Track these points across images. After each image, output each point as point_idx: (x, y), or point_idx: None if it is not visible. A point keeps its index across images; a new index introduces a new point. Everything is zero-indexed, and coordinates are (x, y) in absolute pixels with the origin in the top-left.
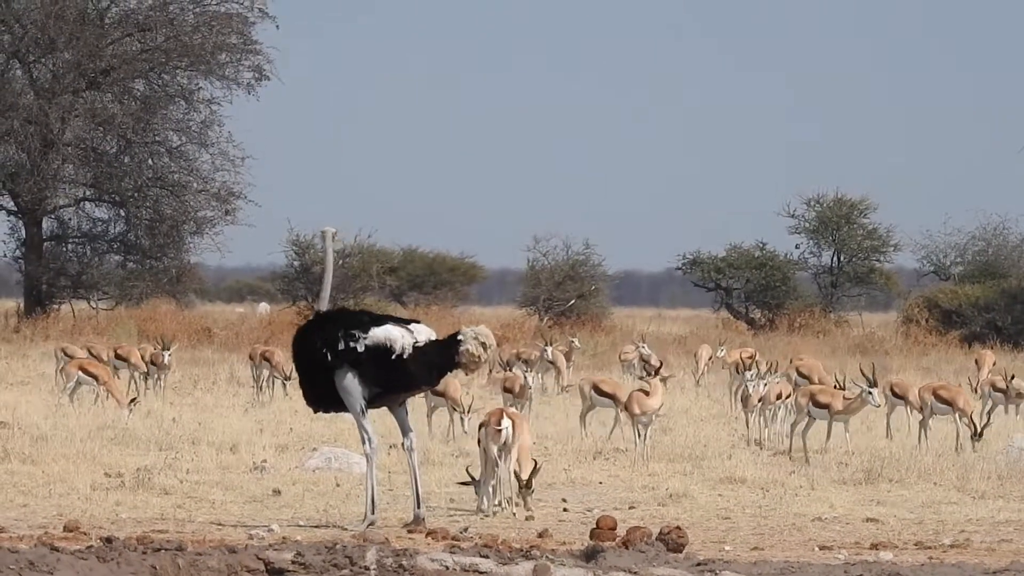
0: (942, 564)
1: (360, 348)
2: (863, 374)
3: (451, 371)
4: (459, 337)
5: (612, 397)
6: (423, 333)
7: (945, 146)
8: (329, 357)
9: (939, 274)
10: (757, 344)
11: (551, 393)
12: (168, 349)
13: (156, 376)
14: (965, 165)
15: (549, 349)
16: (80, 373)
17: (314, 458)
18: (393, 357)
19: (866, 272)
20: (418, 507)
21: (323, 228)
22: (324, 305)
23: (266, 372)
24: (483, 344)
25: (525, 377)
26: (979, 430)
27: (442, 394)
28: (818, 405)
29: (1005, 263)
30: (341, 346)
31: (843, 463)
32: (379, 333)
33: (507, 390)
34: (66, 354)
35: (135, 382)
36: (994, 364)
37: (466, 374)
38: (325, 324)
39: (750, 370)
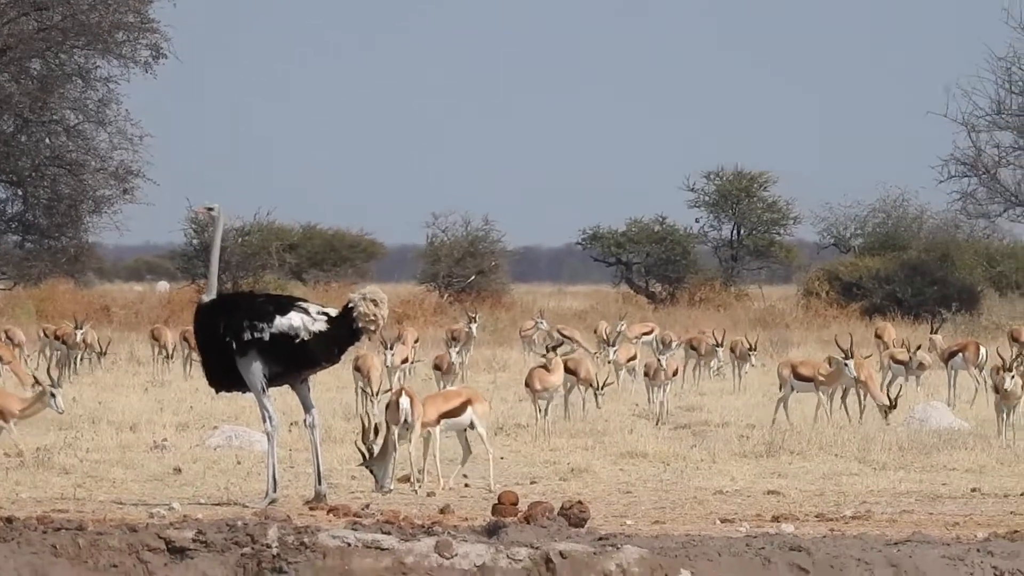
0: (843, 536)
1: (266, 337)
2: (838, 345)
3: (353, 343)
4: (350, 304)
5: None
6: (322, 313)
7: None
8: (235, 346)
9: (839, 247)
10: (658, 318)
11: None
12: (81, 328)
13: (74, 355)
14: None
15: (474, 326)
16: None
17: (215, 436)
18: (297, 341)
19: (766, 245)
20: (319, 484)
21: (208, 204)
22: (213, 285)
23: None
24: (374, 301)
25: (451, 354)
26: (893, 402)
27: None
28: (800, 378)
29: (905, 235)
30: (247, 336)
31: (744, 436)
32: (284, 322)
33: (436, 367)
34: (8, 335)
35: (74, 362)
36: (894, 337)
37: (369, 338)
38: (230, 311)
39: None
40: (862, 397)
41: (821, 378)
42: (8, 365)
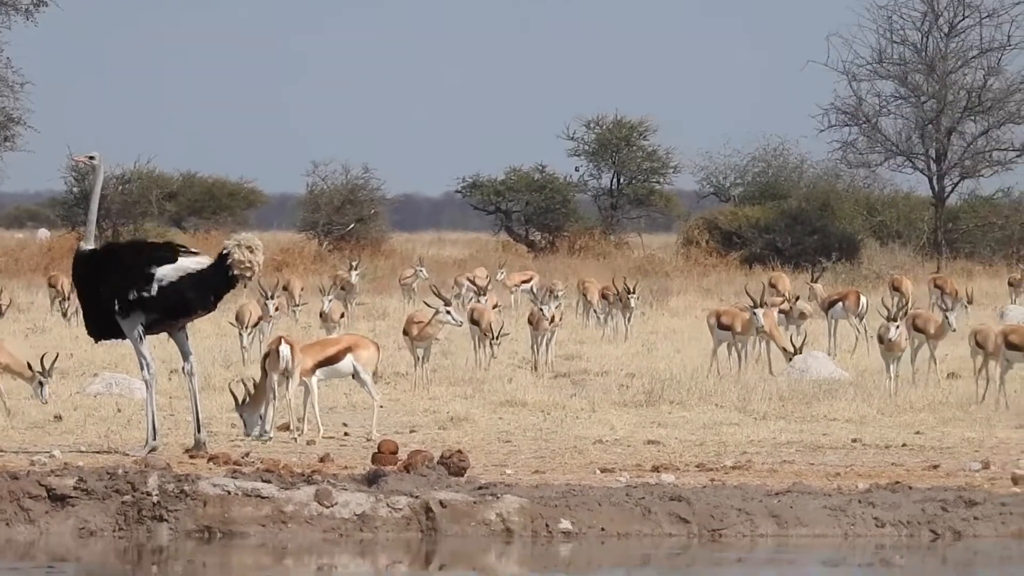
0: (724, 486)
1: (152, 293)
2: (748, 295)
3: (229, 290)
4: (224, 251)
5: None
6: (199, 261)
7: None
8: (117, 306)
9: (719, 196)
10: (537, 266)
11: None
12: None
13: None
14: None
15: (354, 274)
16: None
17: (95, 384)
18: (175, 293)
19: (646, 194)
20: (198, 432)
21: (89, 153)
22: (91, 233)
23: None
24: (249, 248)
25: (267, 304)
26: (798, 348)
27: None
28: (722, 327)
29: (785, 184)
30: (131, 296)
31: (624, 385)
32: (166, 277)
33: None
34: None
35: None
36: (789, 288)
37: (244, 285)
38: (111, 273)
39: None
40: (766, 345)
41: (738, 328)
42: None
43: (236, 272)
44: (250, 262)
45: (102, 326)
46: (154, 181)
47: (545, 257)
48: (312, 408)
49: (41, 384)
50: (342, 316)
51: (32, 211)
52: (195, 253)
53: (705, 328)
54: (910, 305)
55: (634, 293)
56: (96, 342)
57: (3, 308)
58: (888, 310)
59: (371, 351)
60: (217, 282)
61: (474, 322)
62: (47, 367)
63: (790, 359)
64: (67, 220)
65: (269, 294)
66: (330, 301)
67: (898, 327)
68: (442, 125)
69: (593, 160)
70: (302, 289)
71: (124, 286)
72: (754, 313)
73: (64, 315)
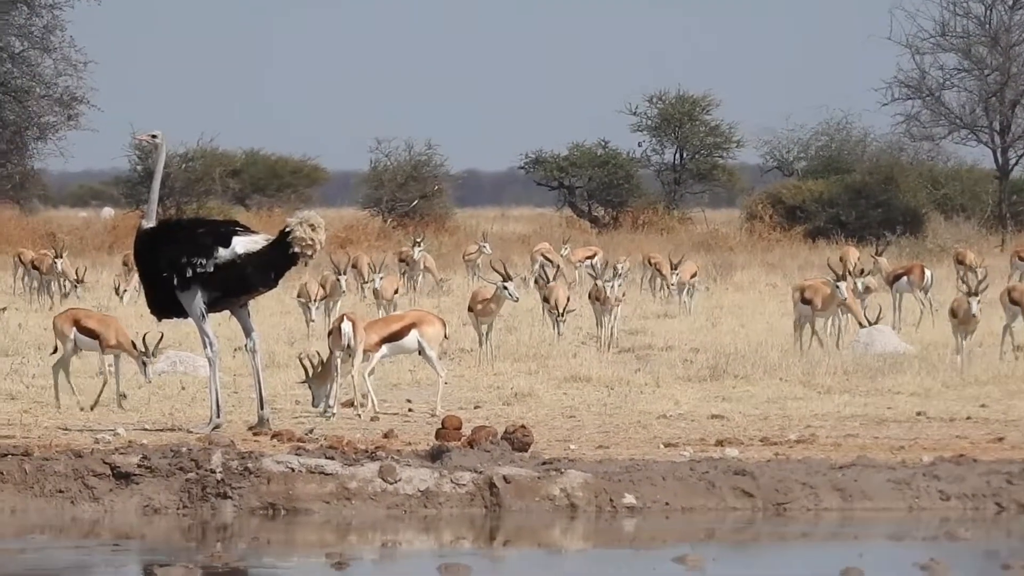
0: (788, 460)
1: (210, 270)
2: (831, 268)
3: (290, 267)
4: (287, 229)
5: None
6: (256, 239)
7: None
8: (176, 282)
9: (782, 170)
10: (601, 242)
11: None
12: (61, 256)
13: (47, 281)
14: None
15: (417, 250)
16: None
17: (159, 362)
18: (235, 269)
19: (709, 169)
20: (261, 408)
21: (151, 132)
22: (153, 211)
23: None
24: (312, 226)
25: (338, 280)
26: (872, 323)
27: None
28: (805, 302)
29: (848, 158)
30: (189, 273)
31: (688, 360)
32: (225, 254)
33: (320, 286)
34: (21, 260)
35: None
36: (858, 259)
37: (305, 264)
38: (170, 245)
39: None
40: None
41: (819, 303)
42: None
43: (297, 250)
44: (312, 240)
45: (163, 304)
46: (217, 159)
47: (608, 233)
48: (367, 384)
49: (144, 363)
50: (396, 293)
51: (96, 190)
52: (254, 232)
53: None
54: (982, 278)
55: (675, 270)
56: (159, 321)
57: (80, 276)
58: (967, 285)
59: (436, 327)
60: (277, 259)
61: (545, 299)
62: (150, 347)
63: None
64: (131, 199)
65: (341, 270)
66: (381, 278)
67: (979, 302)
68: (505, 101)
69: (656, 135)
70: (370, 265)
71: (183, 263)
72: (837, 287)
73: (116, 293)
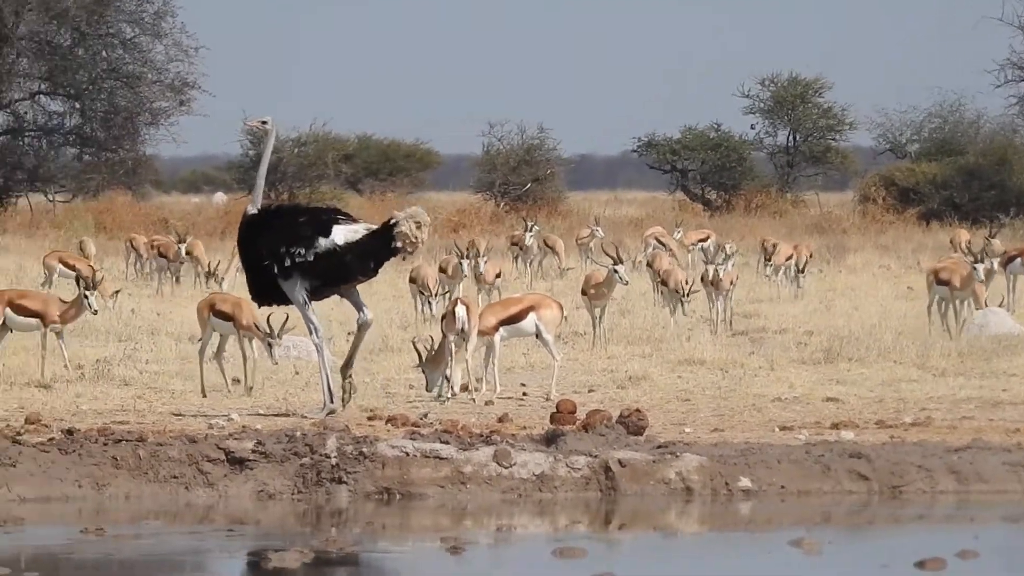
0: (903, 443)
1: (309, 259)
2: (968, 251)
3: (390, 258)
4: (392, 221)
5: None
6: (355, 229)
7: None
8: (276, 270)
9: (895, 152)
10: (714, 225)
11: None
12: (184, 241)
13: (174, 268)
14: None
15: (530, 235)
16: (60, 266)
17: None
18: (335, 258)
19: (822, 151)
20: (347, 367)
21: (261, 118)
22: (258, 197)
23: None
24: (417, 223)
25: (462, 264)
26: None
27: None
28: (940, 283)
29: (962, 140)
30: (288, 263)
31: (803, 343)
32: (325, 243)
33: (441, 270)
34: (133, 245)
35: (199, 277)
36: (969, 242)
37: (403, 258)
38: (270, 233)
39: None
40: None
41: (957, 284)
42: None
43: (399, 244)
44: (415, 237)
45: (264, 290)
46: (330, 143)
47: (721, 216)
48: (492, 367)
49: (270, 345)
50: (498, 277)
51: (208, 175)
52: (354, 220)
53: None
54: None
55: (770, 254)
56: (259, 307)
57: (182, 253)
58: None
59: (554, 310)
60: (378, 250)
61: (663, 281)
62: (275, 329)
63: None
64: (243, 184)
65: (463, 254)
66: (485, 262)
67: None
68: (618, 84)
69: (768, 118)
70: (487, 249)
71: (282, 252)
72: (975, 268)
73: (215, 278)
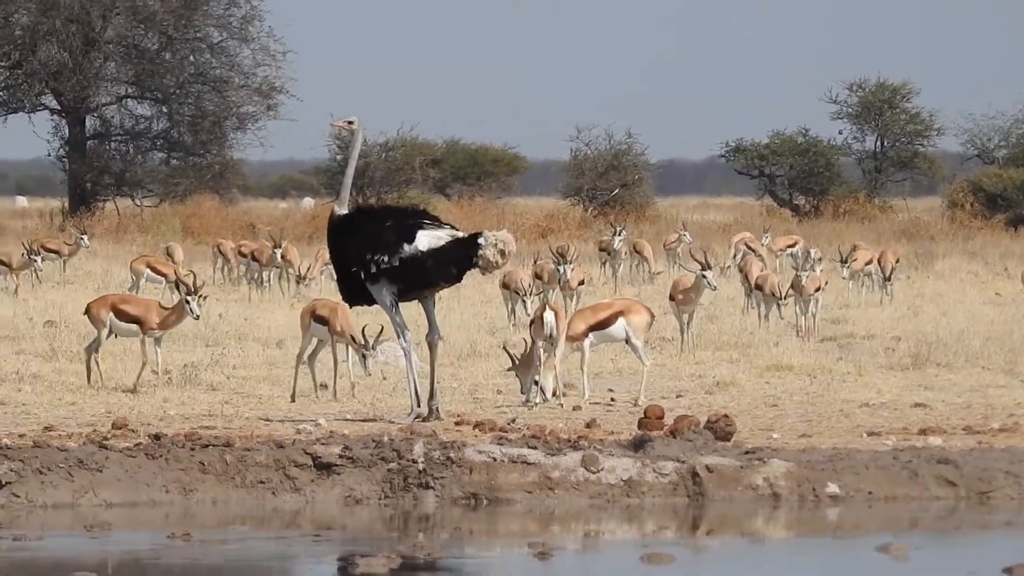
0: (991, 449)
1: (395, 264)
2: None
3: (470, 269)
4: (479, 241)
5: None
6: (439, 235)
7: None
8: (363, 275)
9: (983, 158)
10: (802, 231)
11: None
12: (279, 247)
13: (268, 273)
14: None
15: (618, 240)
16: (148, 271)
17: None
18: (418, 263)
19: (910, 157)
20: (432, 399)
21: (348, 118)
22: (345, 198)
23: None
24: (501, 251)
25: (558, 269)
26: None
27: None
28: None
29: None
30: (373, 269)
31: (890, 349)
32: (409, 249)
33: (537, 276)
34: (232, 252)
35: (287, 282)
36: None
37: (482, 274)
38: (356, 239)
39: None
40: None
41: None
42: (172, 284)
43: (480, 264)
44: (496, 264)
45: (354, 291)
46: (418, 148)
47: (809, 221)
48: (581, 373)
49: (364, 356)
50: (581, 284)
51: (296, 180)
52: (440, 224)
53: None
54: None
55: (847, 260)
56: (351, 307)
57: (304, 276)
58: None
59: (643, 316)
60: (460, 259)
61: (758, 287)
62: (369, 340)
63: None
64: (331, 188)
65: (563, 259)
66: (571, 269)
67: None
68: (706, 89)
69: (856, 123)
70: (576, 254)
71: (367, 259)
72: None
73: (298, 281)
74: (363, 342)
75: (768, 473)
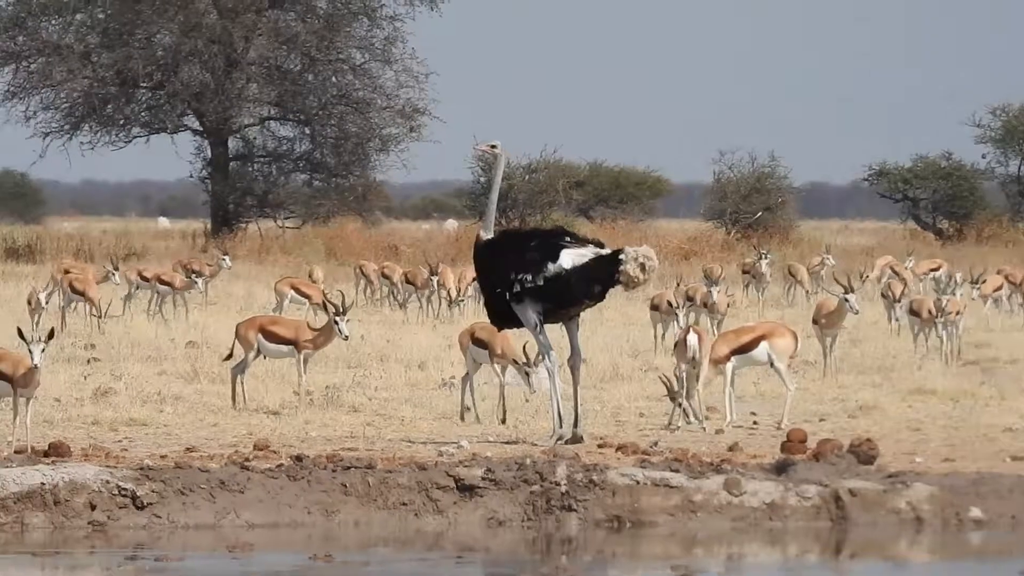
0: None
1: (540, 283)
2: None
3: (613, 287)
4: (620, 256)
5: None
6: (582, 252)
7: None
8: (508, 296)
9: None
10: (945, 255)
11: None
12: (436, 274)
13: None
14: None
15: (763, 262)
16: (292, 292)
17: (505, 374)
18: (562, 282)
19: None
20: (576, 426)
21: (490, 142)
22: (490, 223)
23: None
24: (642, 265)
25: (710, 291)
26: None
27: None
28: None
29: None
30: (517, 288)
31: None
32: (553, 268)
33: (689, 298)
34: (374, 273)
35: (423, 304)
36: None
37: (625, 290)
38: (501, 260)
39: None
40: None
41: None
42: (316, 305)
43: (621, 279)
44: (637, 280)
45: (501, 313)
46: (561, 170)
47: (953, 245)
48: (725, 396)
49: (527, 374)
50: (728, 306)
51: (439, 201)
52: (583, 242)
53: None
54: None
55: (977, 282)
56: (499, 330)
57: (433, 283)
58: None
59: (787, 339)
60: (603, 276)
61: (913, 312)
62: (531, 357)
63: None
64: (473, 210)
65: (714, 282)
66: (718, 292)
67: None
68: (849, 113)
69: (999, 147)
70: (722, 276)
71: (512, 279)
72: None
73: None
74: (524, 360)
75: (911, 497)
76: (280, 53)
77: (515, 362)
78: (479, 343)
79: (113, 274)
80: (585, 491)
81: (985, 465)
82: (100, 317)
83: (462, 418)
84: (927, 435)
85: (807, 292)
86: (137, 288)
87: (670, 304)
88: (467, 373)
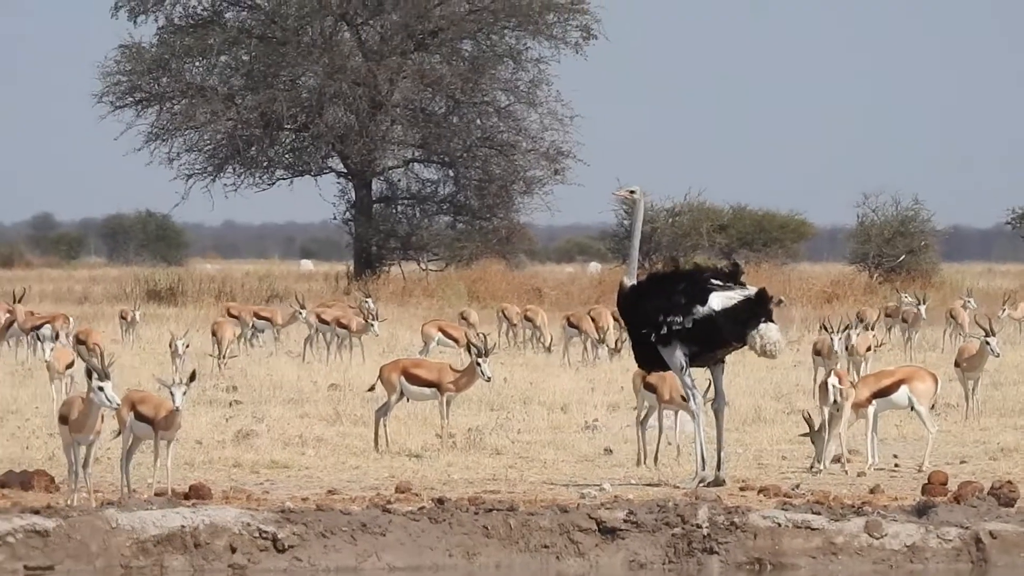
0: None
1: (688, 325)
2: None
3: (761, 324)
4: (774, 301)
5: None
6: (731, 295)
7: None
8: (654, 337)
9: None
10: None
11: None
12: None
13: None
14: None
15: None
16: (440, 335)
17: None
18: (711, 324)
19: None
20: (719, 469)
21: (629, 187)
22: (633, 268)
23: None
24: (764, 349)
25: (832, 339)
26: None
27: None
28: None
29: None
30: (665, 331)
31: None
32: (702, 310)
33: (816, 352)
34: (517, 316)
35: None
36: None
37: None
38: (648, 304)
39: None
40: None
41: None
42: (464, 348)
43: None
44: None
45: (647, 356)
46: (705, 213)
47: None
48: (867, 439)
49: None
50: (868, 350)
51: (582, 244)
52: (728, 283)
53: None
54: None
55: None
56: (648, 373)
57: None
58: None
59: (927, 383)
60: (750, 317)
61: None
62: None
63: None
64: (617, 253)
65: (868, 326)
66: (858, 334)
67: None
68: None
69: None
70: (876, 319)
71: (660, 321)
72: None
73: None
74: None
75: None
76: (425, 95)
77: (684, 404)
78: (649, 387)
79: (300, 313)
80: (726, 533)
81: None
82: (221, 358)
83: (637, 464)
84: None
85: (964, 336)
86: (316, 331)
87: (831, 335)
88: (639, 415)
